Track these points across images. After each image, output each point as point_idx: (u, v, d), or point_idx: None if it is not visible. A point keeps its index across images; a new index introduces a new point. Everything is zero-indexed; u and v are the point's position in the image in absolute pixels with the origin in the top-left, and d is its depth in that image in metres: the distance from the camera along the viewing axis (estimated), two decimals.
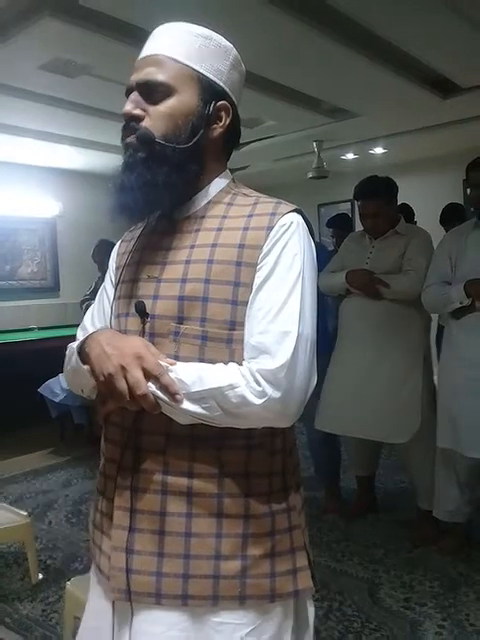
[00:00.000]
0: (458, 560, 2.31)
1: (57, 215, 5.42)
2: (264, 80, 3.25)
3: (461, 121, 4.16)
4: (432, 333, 2.64)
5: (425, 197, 4.65)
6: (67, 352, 0.93)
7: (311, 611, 0.91)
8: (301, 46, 2.81)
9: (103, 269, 3.93)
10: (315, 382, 0.83)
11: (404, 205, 3.57)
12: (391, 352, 2.41)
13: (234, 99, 0.91)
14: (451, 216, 3.62)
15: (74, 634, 1.65)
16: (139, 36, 2.65)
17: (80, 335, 0.95)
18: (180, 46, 0.86)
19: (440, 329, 2.77)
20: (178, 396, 0.78)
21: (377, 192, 2.46)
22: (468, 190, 2.35)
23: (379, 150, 5.01)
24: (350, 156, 5.19)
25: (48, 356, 3.87)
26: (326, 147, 4.73)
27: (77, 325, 1.01)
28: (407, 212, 3.50)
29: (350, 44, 2.82)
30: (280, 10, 2.45)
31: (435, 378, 2.50)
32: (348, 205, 5.76)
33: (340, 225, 3.80)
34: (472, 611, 1.97)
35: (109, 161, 4.83)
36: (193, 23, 0.89)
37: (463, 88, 3.57)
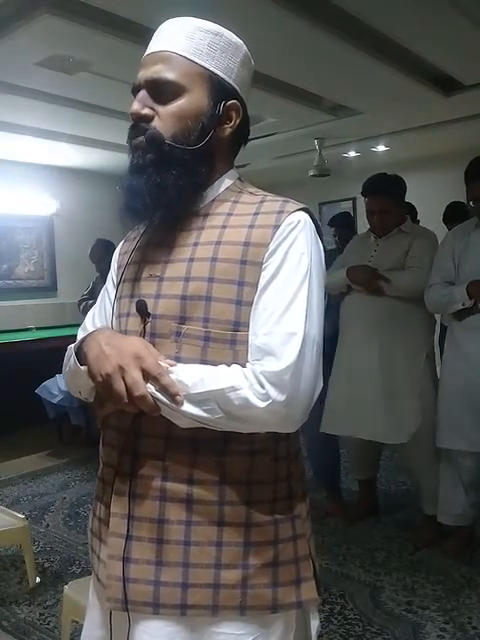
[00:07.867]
0: (461, 562, 2.29)
1: (54, 213, 5.39)
2: (265, 77, 3.22)
3: (464, 119, 4.15)
4: (436, 332, 2.60)
5: (428, 195, 4.60)
6: (67, 353, 0.91)
7: (314, 624, 0.88)
8: (303, 43, 2.78)
9: (101, 269, 3.89)
10: (321, 386, 0.81)
11: (407, 204, 3.53)
12: (393, 351, 2.37)
13: (244, 97, 0.89)
14: (454, 214, 3.59)
15: (72, 638, 1.64)
16: (137, 32, 2.64)
17: (80, 336, 0.92)
18: (189, 42, 0.83)
19: (443, 329, 2.74)
20: (178, 397, 0.75)
21: (387, 190, 2.43)
22: (471, 203, 2.30)
23: (381, 148, 4.99)
24: (352, 154, 5.16)
25: (46, 357, 3.84)
26: (328, 145, 4.71)
27: (75, 325, 0.99)
28: (410, 211, 3.46)
29: (352, 41, 2.80)
30: (282, 7, 2.43)
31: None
32: (350, 203, 5.73)
33: (342, 224, 3.76)
34: (475, 614, 1.95)
35: (107, 158, 4.81)
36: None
37: (466, 85, 3.57)
